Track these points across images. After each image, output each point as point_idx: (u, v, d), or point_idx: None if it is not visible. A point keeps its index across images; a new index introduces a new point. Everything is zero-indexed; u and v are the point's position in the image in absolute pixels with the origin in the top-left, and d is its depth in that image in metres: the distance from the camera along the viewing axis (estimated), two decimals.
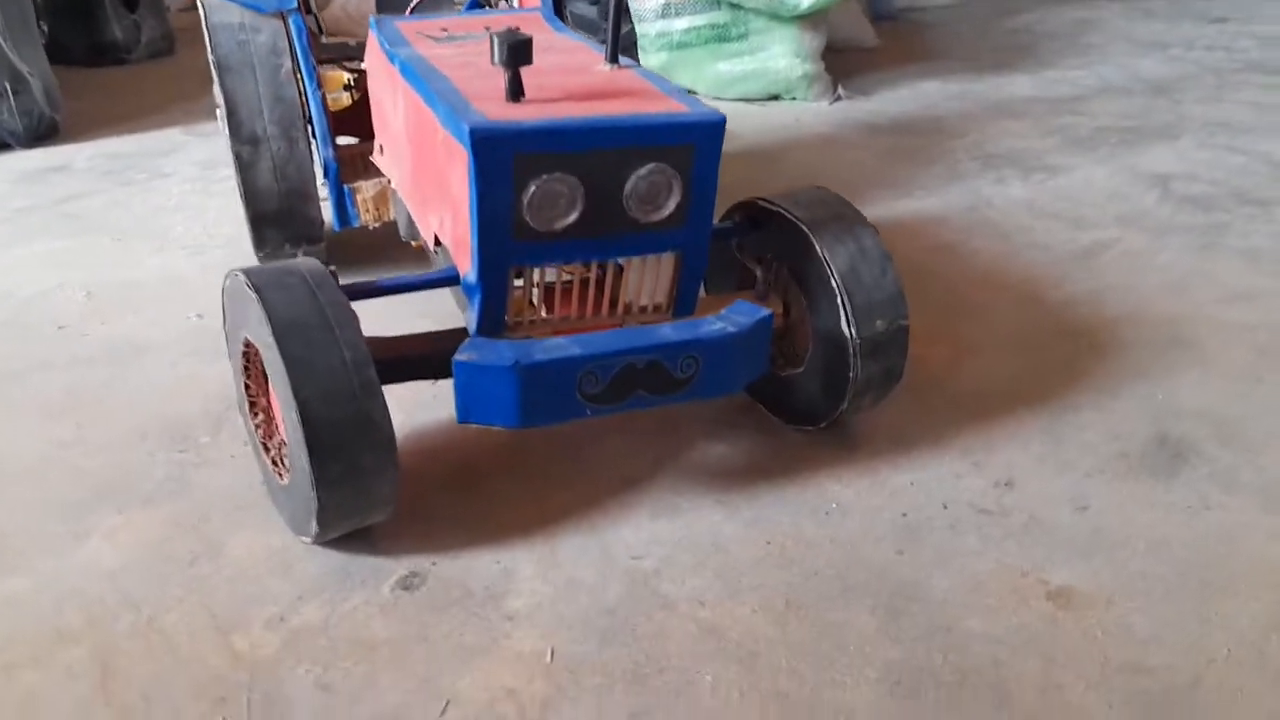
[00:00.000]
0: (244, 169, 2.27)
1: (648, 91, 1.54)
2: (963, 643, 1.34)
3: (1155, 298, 2.33)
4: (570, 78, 1.58)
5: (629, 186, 1.44)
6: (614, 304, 1.60)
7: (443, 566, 1.51)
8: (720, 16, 4.01)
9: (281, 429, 1.57)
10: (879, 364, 1.64)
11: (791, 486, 1.68)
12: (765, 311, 1.53)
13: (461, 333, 1.59)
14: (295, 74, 2.28)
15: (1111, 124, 3.78)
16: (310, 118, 2.30)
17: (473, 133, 1.33)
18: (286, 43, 2.28)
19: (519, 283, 1.56)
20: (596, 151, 1.40)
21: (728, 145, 1.52)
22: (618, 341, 1.44)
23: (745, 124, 3.78)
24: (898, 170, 3.27)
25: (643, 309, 1.62)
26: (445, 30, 1.97)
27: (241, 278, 1.45)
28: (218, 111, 2.94)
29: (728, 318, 1.51)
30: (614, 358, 1.42)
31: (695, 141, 1.45)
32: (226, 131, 2.26)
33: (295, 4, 2.25)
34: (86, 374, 2.09)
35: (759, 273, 1.75)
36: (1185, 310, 2.26)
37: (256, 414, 1.63)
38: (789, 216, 1.67)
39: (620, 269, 1.58)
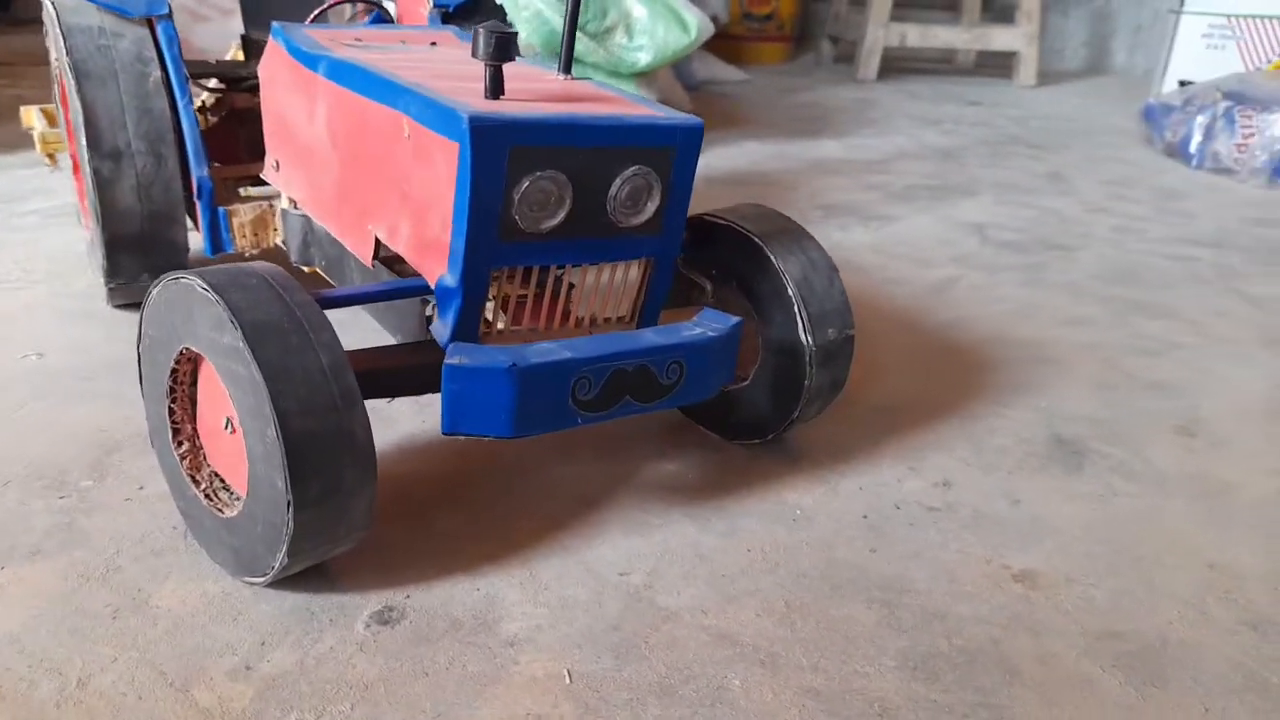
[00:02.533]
0: (102, 187, 2.03)
1: (616, 98, 1.54)
2: (958, 627, 1.39)
3: (1009, 323, 2.56)
4: (531, 84, 1.54)
5: (614, 188, 1.42)
6: (579, 317, 1.56)
7: (418, 599, 1.38)
8: None
9: (219, 454, 1.39)
10: (829, 373, 1.69)
11: (751, 497, 1.68)
12: (736, 319, 1.54)
13: (429, 346, 1.49)
14: (165, 85, 2.08)
15: (918, 182, 4.15)
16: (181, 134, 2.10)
17: (472, 122, 1.27)
18: (154, 51, 2.08)
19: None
20: (586, 150, 1.38)
21: None
22: (608, 345, 1.40)
23: None
24: None
25: (606, 320, 1.59)
26: (360, 40, 1.87)
27: (190, 281, 1.29)
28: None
29: (704, 324, 1.51)
30: (606, 361, 1.38)
31: (677, 145, 1.45)
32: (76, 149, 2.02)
33: (167, 9, 2.07)
34: None
35: (708, 287, 1.77)
36: (1036, 333, 2.50)
37: (180, 443, 1.44)
38: (740, 230, 1.71)
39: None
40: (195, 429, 1.45)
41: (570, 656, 1.29)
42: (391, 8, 2.52)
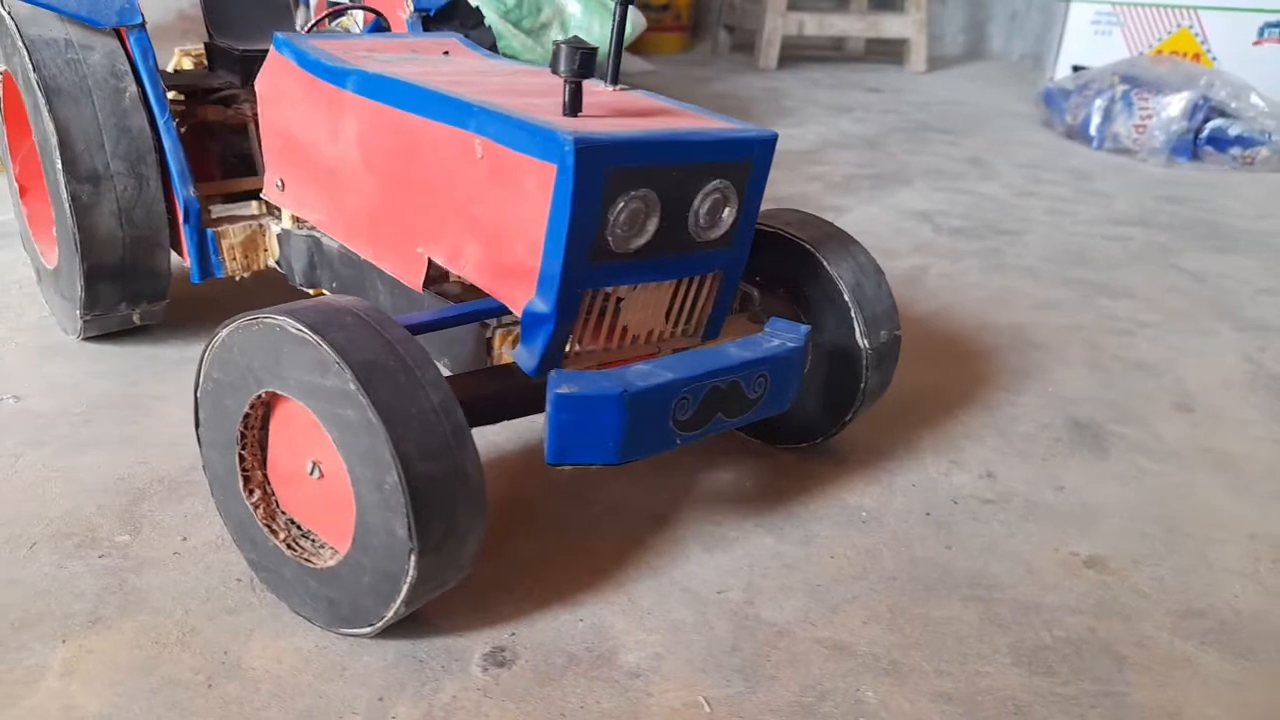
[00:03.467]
0: (81, 213, 1.87)
1: (677, 110, 1.51)
2: (1054, 618, 1.43)
3: (989, 310, 2.65)
4: (588, 98, 1.49)
5: (696, 204, 1.40)
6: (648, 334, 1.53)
7: (524, 635, 1.33)
8: None
9: (298, 500, 1.31)
10: (880, 374, 1.71)
11: (813, 502, 1.69)
12: (806, 327, 1.54)
13: (509, 371, 1.43)
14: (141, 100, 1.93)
15: (854, 172, 4.25)
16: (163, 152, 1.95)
17: (578, 144, 1.22)
18: (127, 64, 1.93)
19: None
20: (675, 167, 1.35)
21: None
22: (703, 364, 1.37)
23: None
24: None
25: (672, 335, 1.56)
26: (372, 51, 1.78)
27: (278, 320, 1.20)
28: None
29: (779, 335, 1.51)
30: (704, 380, 1.36)
31: (753, 158, 1.44)
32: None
33: (140, 18, 1.92)
34: None
35: (756, 295, 1.76)
36: (1016, 318, 2.60)
37: (251, 491, 1.34)
38: (787, 236, 1.71)
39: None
40: (265, 475, 1.35)
41: (699, 683, 1.27)
42: (359, 14, 2.41)
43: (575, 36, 1.32)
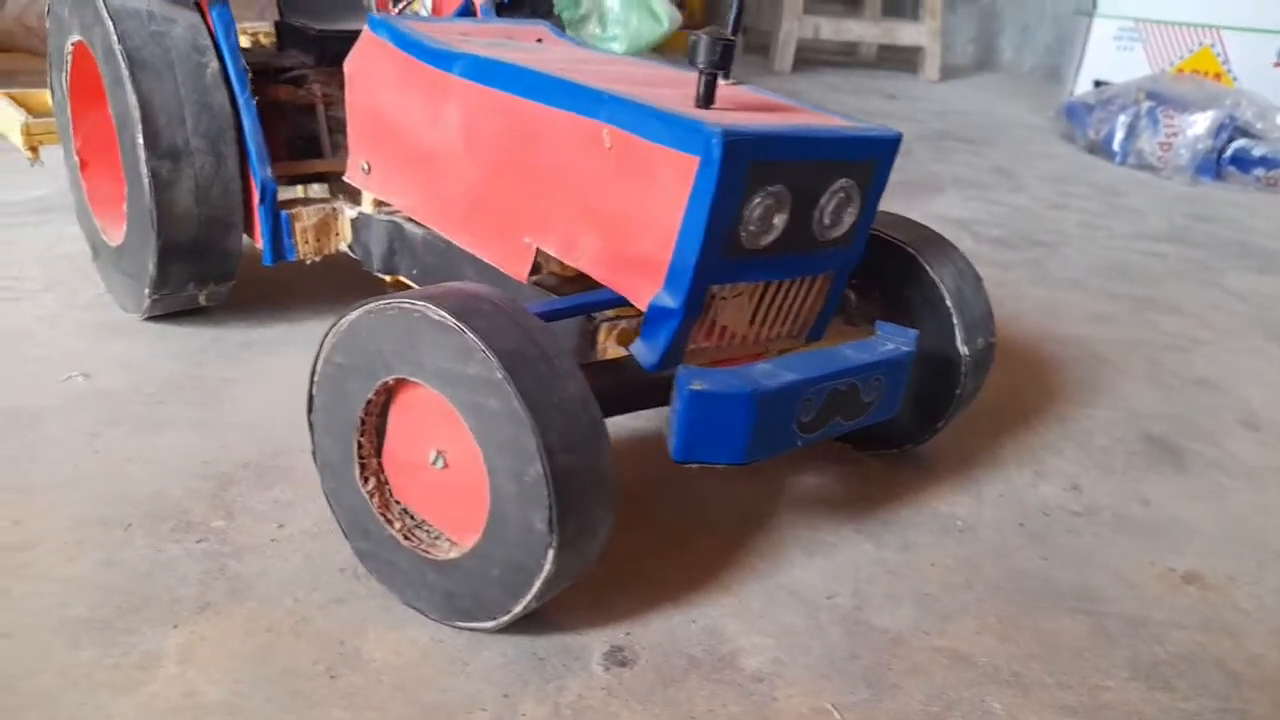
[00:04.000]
0: (160, 189, 1.83)
1: (797, 106, 1.49)
2: (1162, 632, 1.42)
3: (1045, 321, 2.65)
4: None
5: (822, 201, 1.38)
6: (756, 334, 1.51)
7: (639, 635, 1.31)
8: None
9: (414, 490, 1.28)
10: (975, 380, 1.70)
11: (905, 509, 1.68)
12: (914, 331, 1.52)
13: (620, 364, 1.41)
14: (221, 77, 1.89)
15: None
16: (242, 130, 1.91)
17: (726, 136, 1.20)
18: (209, 38, 1.89)
19: None
20: (808, 164, 1.33)
21: None
22: (824, 365, 1.36)
23: None
24: None
25: (778, 335, 1.54)
26: (466, 35, 1.75)
27: (416, 306, 1.17)
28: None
29: (891, 339, 1.49)
30: (826, 381, 1.34)
31: (878, 157, 1.43)
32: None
33: None
34: None
35: (852, 297, 1.74)
36: (1075, 331, 2.60)
37: (367, 479, 1.31)
38: (888, 239, 1.69)
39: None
40: (380, 463, 1.32)
41: (824, 689, 1.25)
42: (428, 0, 2.37)
43: (714, 27, 1.30)
